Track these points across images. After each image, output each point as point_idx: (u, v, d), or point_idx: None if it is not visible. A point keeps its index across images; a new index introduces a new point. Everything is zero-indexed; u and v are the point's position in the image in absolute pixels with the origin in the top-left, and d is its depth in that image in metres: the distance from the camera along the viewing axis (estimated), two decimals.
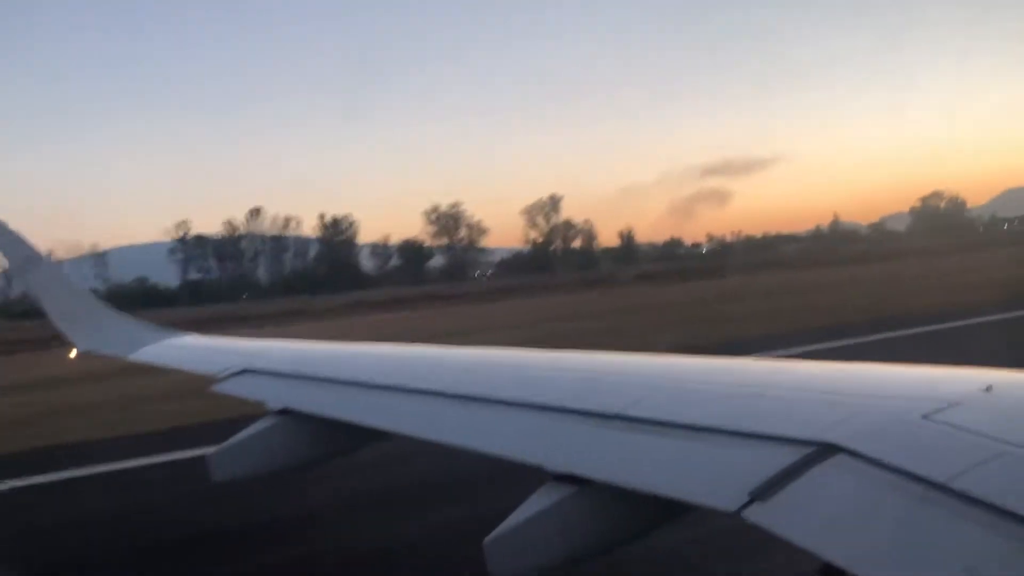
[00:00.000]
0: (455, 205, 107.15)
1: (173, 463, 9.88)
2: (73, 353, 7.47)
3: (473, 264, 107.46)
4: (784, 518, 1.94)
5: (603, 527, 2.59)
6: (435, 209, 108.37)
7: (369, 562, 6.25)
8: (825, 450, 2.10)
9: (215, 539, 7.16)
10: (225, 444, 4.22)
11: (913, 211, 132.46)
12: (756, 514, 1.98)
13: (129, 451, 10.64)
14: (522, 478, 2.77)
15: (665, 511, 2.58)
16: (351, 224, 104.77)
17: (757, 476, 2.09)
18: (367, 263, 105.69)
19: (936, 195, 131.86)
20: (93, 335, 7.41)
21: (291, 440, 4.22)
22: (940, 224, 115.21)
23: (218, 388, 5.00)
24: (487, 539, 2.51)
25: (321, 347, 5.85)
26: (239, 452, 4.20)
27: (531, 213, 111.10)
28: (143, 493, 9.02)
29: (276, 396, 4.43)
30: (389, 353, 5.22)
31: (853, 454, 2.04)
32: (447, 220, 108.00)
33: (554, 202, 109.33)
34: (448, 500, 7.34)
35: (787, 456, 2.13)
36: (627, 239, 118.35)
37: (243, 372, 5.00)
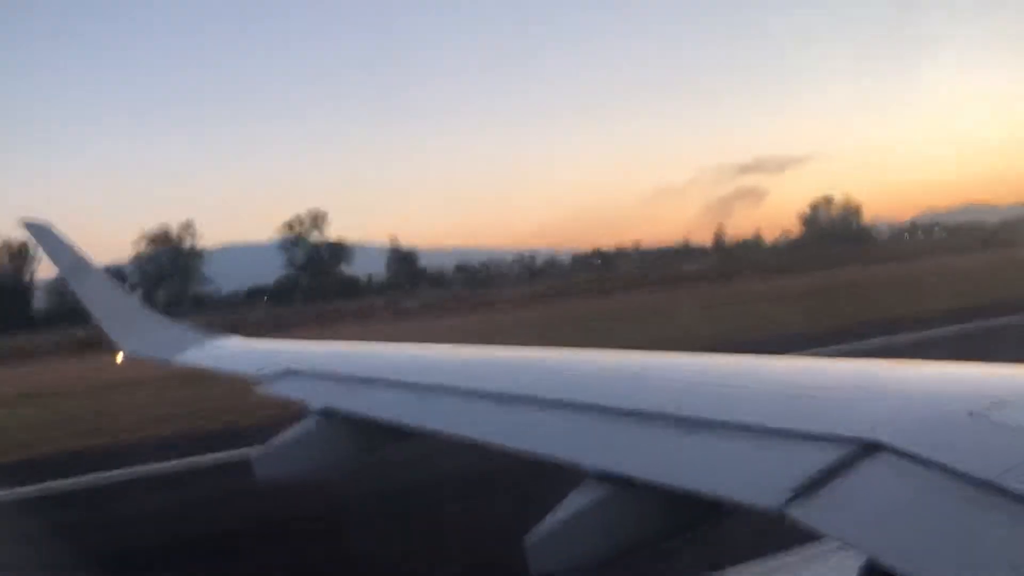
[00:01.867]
0: (187, 225, 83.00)
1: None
2: (119, 357, 7.66)
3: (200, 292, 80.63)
4: (828, 516, 1.93)
5: (643, 525, 2.59)
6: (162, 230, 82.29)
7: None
8: (870, 448, 2.08)
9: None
10: (269, 444, 4.28)
11: (802, 219, 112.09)
12: (800, 512, 1.97)
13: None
14: (562, 477, 2.78)
15: (706, 509, 2.58)
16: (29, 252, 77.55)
17: (801, 474, 2.08)
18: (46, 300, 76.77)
19: (826, 200, 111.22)
20: (138, 339, 7.58)
21: (333, 439, 4.26)
22: (829, 235, 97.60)
23: (262, 389, 5.08)
24: (528, 537, 2.53)
25: (364, 348, 5.91)
26: (282, 452, 4.26)
27: (288, 230, 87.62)
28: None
29: (319, 396, 4.48)
30: (429, 353, 5.26)
31: (898, 452, 2.03)
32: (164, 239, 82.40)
33: (315, 218, 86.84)
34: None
35: (831, 454, 2.11)
36: (408, 255, 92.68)
37: (287, 373, 5.08)
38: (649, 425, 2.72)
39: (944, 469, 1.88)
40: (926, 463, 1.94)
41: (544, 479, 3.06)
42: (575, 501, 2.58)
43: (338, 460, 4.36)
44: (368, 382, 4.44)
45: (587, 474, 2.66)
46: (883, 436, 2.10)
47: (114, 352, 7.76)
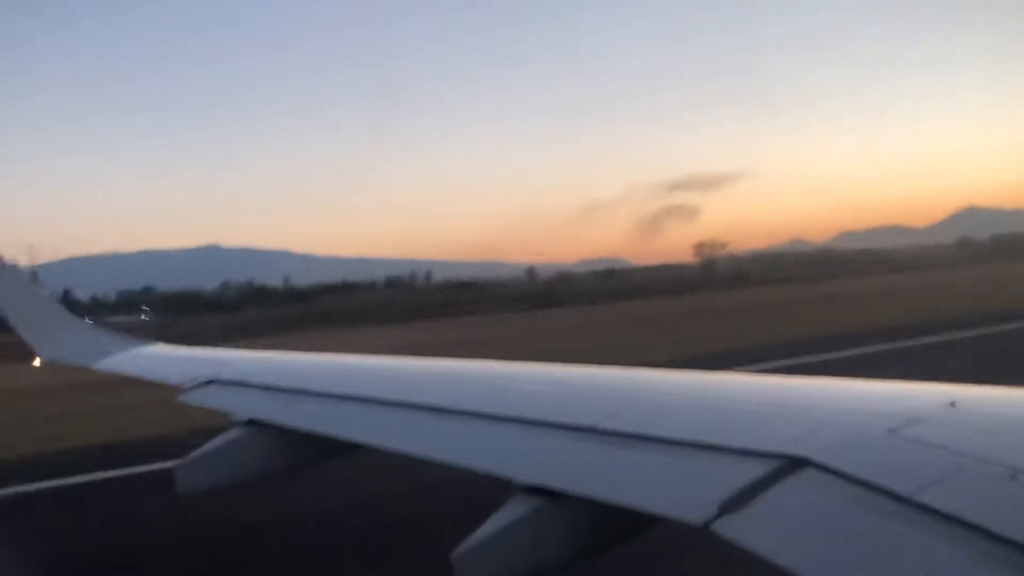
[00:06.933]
0: None
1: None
2: (36, 362, 7.34)
3: None
4: (752, 531, 1.94)
5: (572, 540, 2.59)
6: None
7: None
8: (794, 463, 2.12)
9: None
10: (191, 456, 4.16)
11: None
12: (725, 527, 1.98)
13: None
14: (493, 490, 2.75)
15: (635, 524, 2.58)
16: None
17: (727, 489, 2.10)
18: None
19: None
20: (58, 344, 7.28)
21: (258, 452, 4.16)
22: None
23: (184, 399, 4.93)
24: (455, 552, 2.50)
25: (291, 358, 5.79)
26: (205, 464, 4.14)
27: None
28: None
29: (243, 407, 4.37)
30: (360, 365, 5.17)
31: (821, 468, 2.06)
32: None
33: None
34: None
35: (757, 469, 2.14)
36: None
37: (210, 383, 4.94)
38: (580, 440, 2.72)
39: (865, 485, 1.92)
40: (848, 479, 1.98)
41: (477, 492, 3.03)
42: (503, 515, 2.56)
43: (264, 472, 4.26)
44: (296, 393, 4.34)
45: (517, 487, 2.64)
46: (807, 452, 2.14)
47: (31, 358, 7.44)
